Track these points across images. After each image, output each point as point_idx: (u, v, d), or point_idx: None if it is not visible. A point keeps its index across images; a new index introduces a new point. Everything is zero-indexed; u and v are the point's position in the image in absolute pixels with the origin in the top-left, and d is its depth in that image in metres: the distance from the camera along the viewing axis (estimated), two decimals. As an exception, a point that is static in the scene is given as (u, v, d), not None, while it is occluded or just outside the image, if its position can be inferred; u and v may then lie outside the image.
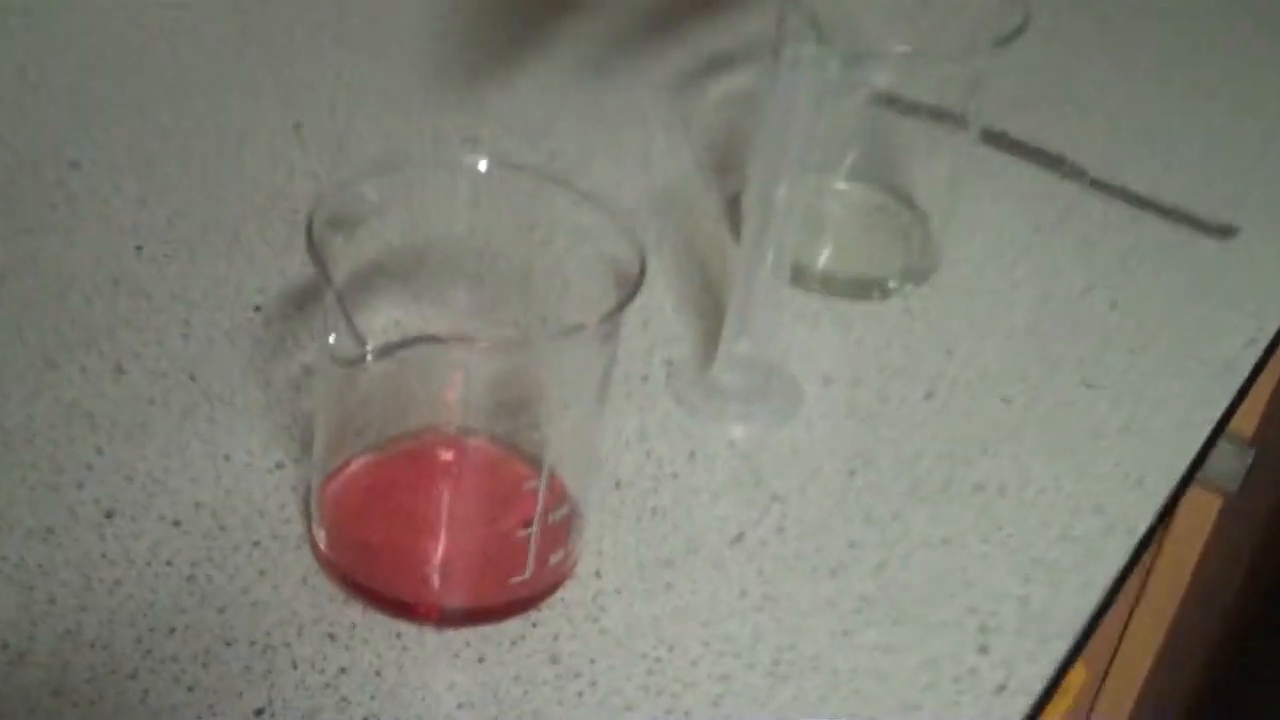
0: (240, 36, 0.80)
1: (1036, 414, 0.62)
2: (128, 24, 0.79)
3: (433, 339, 0.46)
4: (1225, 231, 0.74)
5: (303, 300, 0.62)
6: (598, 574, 0.53)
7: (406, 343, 0.45)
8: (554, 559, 0.51)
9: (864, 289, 0.67)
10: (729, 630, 0.52)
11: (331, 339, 0.46)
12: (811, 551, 0.55)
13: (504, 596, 0.51)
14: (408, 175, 0.53)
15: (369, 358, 0.45)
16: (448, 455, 0.55)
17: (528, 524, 0.50)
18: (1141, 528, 0.58)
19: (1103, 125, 0.83)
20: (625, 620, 0.51)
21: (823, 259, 0.68)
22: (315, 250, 0.47)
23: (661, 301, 0.65)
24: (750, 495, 0.57)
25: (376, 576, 0.51)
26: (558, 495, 0.51)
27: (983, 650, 0.52)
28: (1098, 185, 0.76)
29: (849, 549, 0.55)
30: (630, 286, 0.48)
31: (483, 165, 0.52)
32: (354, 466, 0.53)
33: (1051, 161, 0.77)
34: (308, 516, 0.52)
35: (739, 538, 0.55)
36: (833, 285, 0.66)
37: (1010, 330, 0.67)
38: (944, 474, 0.59)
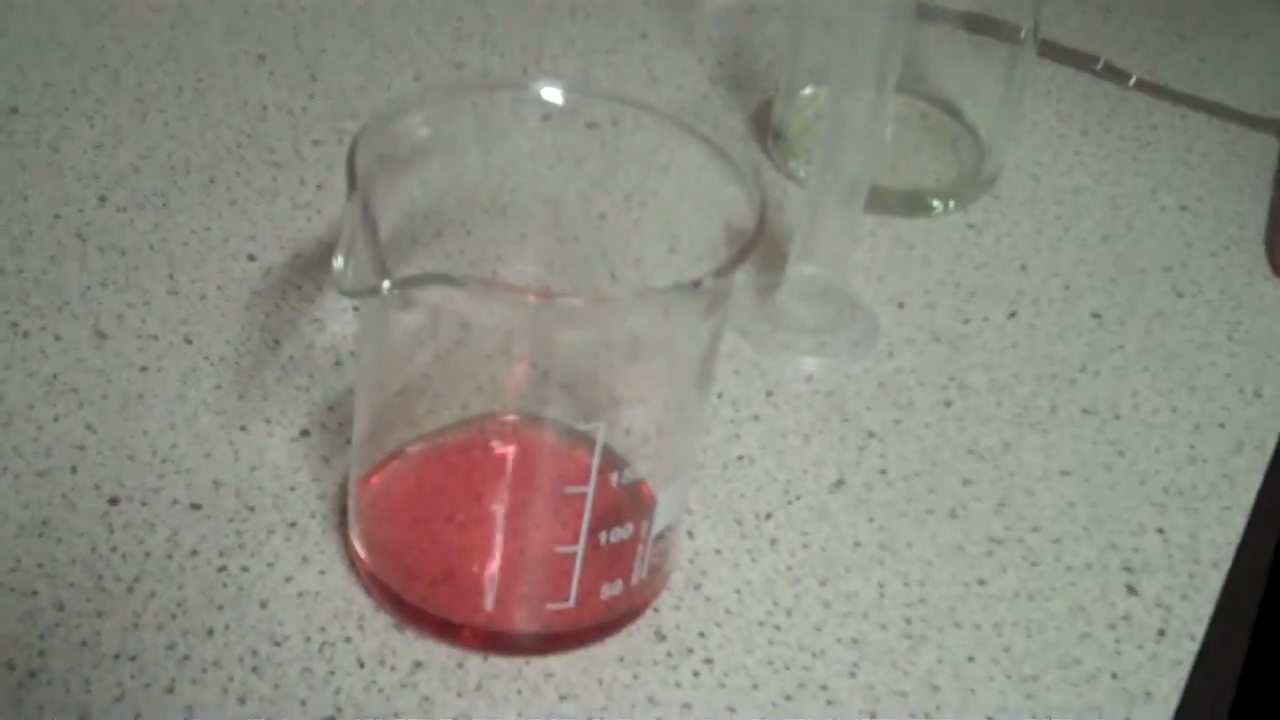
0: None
1: (1133, 328, 0.56)
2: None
3: (485, 284, 0.38)
4: (1274, 126, 0.69)
5: (301, 246, 0.54)
6: (690, 534, 0.45)
7: (441, 278, 0.36)
8: (635, 578, 0.42)
9: (919, 204, 0.60)
10: (850, 587, 0.45)
11: (338, 260, 0.36)
12: (923, 492, 0.48)
13: (580, 619, 0.42)
14: (462, 105, 0.43)
15: (385, 288, 0.35)
16: (508, 448, 0.45)
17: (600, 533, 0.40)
18: (1271, 442, 0.52)
19: (1131, 22, 0.77)
20: (732, 584, 0.44)
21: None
22: (353, 165, 0.38)
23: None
24: (842, 434, 0.50)
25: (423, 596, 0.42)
26: (645, 502, 0.41)
27: (1132, 591, 0.46)
28: (1141, 86, 0.70)
29: (963, 487, 0.48)
30: (745, 239, 0.39)
31: (556, 94, 0.42)
32: (397, 463, 0.44)
33: (1087, 62, 0.71)
34: (344, 515, 0.44)
35: (839, 483, 0.48)
36: (885, 202, 0.60)
37: (1083, 240, 0.60)
38: (1048, 398, 0.52)
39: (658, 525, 0.41)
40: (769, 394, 0.51)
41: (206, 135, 0.59)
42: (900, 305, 0.56)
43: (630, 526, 0.41)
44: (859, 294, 0.55)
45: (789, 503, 0.47)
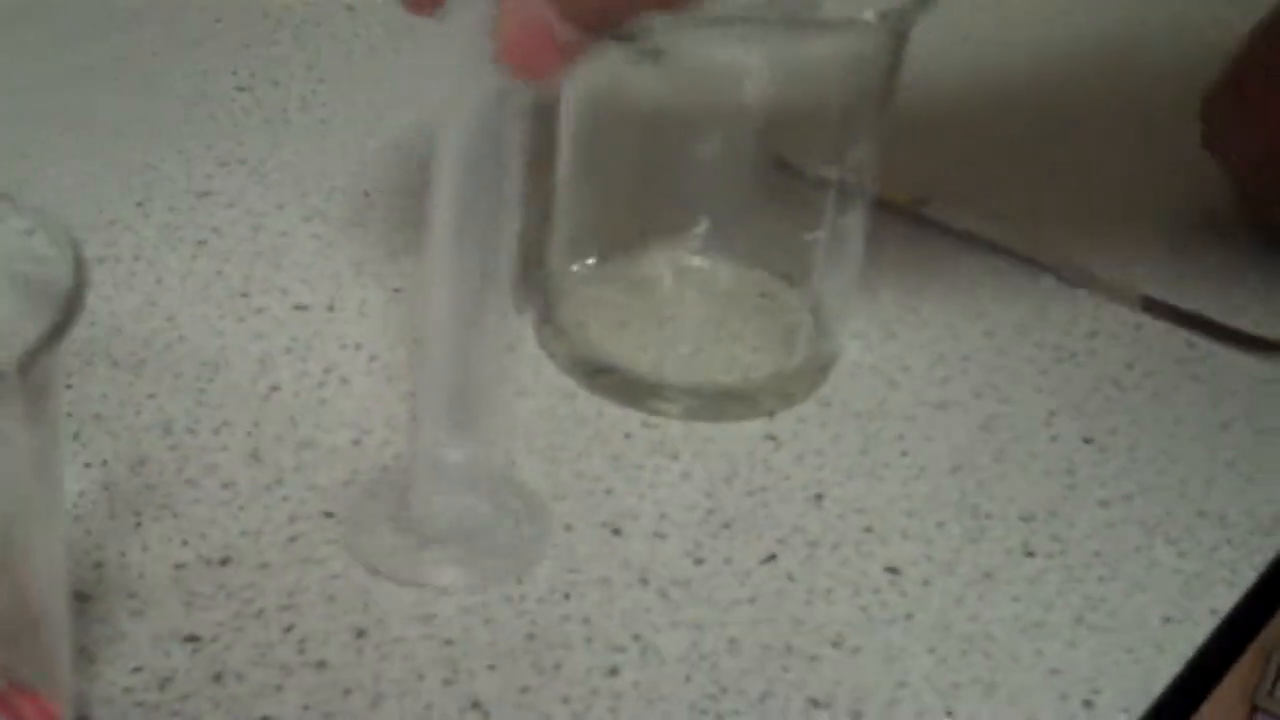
0: None
1: (939, 594, 0.41)
2: None
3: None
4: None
5: None
6: None
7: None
8: None
9: (731, 405, 0.46)
10: None
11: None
12: None
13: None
14: None
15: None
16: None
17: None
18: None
19: (993, 170, 0.61)
20: None
21: (673, 366, 0.47)
22: None
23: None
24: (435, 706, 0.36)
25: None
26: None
27: None
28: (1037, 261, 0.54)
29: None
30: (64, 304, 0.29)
31: None
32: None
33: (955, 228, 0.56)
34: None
35: None
36: (684, 402, 0.46)
37: (921, 468, 0.45)
38: (762, 684, 0.37)
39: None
40: (359, 634, 0.38)
41: None
42: (616, 531, 0.42)
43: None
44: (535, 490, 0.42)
45: None
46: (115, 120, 0.57)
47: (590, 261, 0.49)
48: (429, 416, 0.38)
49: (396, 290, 0.50)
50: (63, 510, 0.34)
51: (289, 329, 0.48)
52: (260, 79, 0.61)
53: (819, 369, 0.48)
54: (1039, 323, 0.52)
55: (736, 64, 0.44)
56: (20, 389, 0.28)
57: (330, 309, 0.49)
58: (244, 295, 0.49)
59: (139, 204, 0.53)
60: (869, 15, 0.42)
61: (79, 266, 0.30)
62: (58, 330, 0.29)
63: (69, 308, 0.30)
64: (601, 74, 0.45)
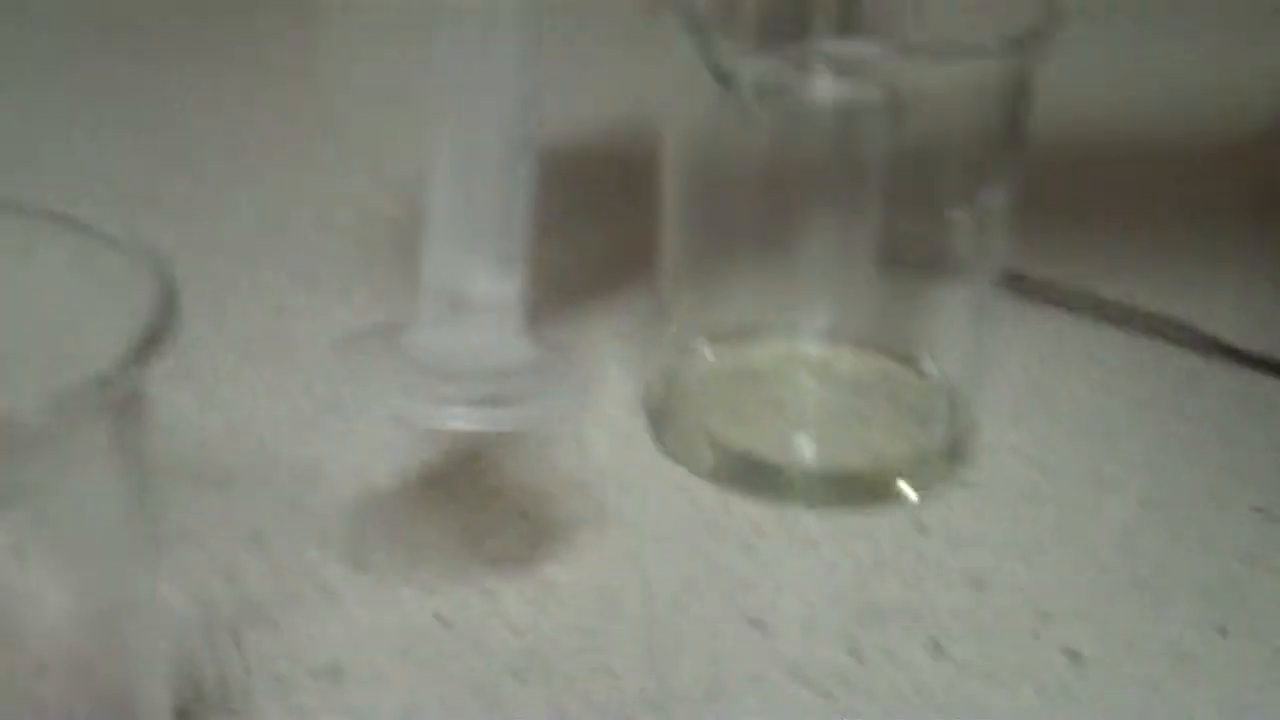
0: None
1: (1130, 678, 0.36)
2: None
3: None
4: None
5: None
6: None
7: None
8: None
9: (867, 491, 0.43)
10: None
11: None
12: None
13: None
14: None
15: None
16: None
17: None
18: None
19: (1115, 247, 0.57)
20: None
21: (802, 453, 0.44)
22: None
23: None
24: None
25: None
26: None
27: None
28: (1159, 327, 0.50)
29: None
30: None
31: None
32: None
33: (1081, 300, 0.52)
34: None
35: None
36: (818, 490, 0.42)
37: (1091, 547, 0.41)
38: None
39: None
40: None
41: None
42: (759, 626, 0.38)
43: None
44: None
45: None
46: (189, 244, 0.55)
47: (705, 352, 0.46)
48: (437, 242, 0.33)
49: (494, 393, 0.46)
50: (159, 594, 0.30)
51: (384, 437, 0.44)
52: (341, 207, 0.59)
53: (956, 451, 0.44)
54: (1185, 395, 0.48)
55: (849, 108, 0.41)
56: (105, 409, 0.25)
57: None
58: (333, 409, 0.46)
59: (215, 323, 0.50)
60: (990, 41, 0.39)
61: (169, 289, 0.27)
62: (146, 346, 0.26)
63: (157, 328, 0.26)
64: (706, 143, 0.42)
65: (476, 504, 0.42)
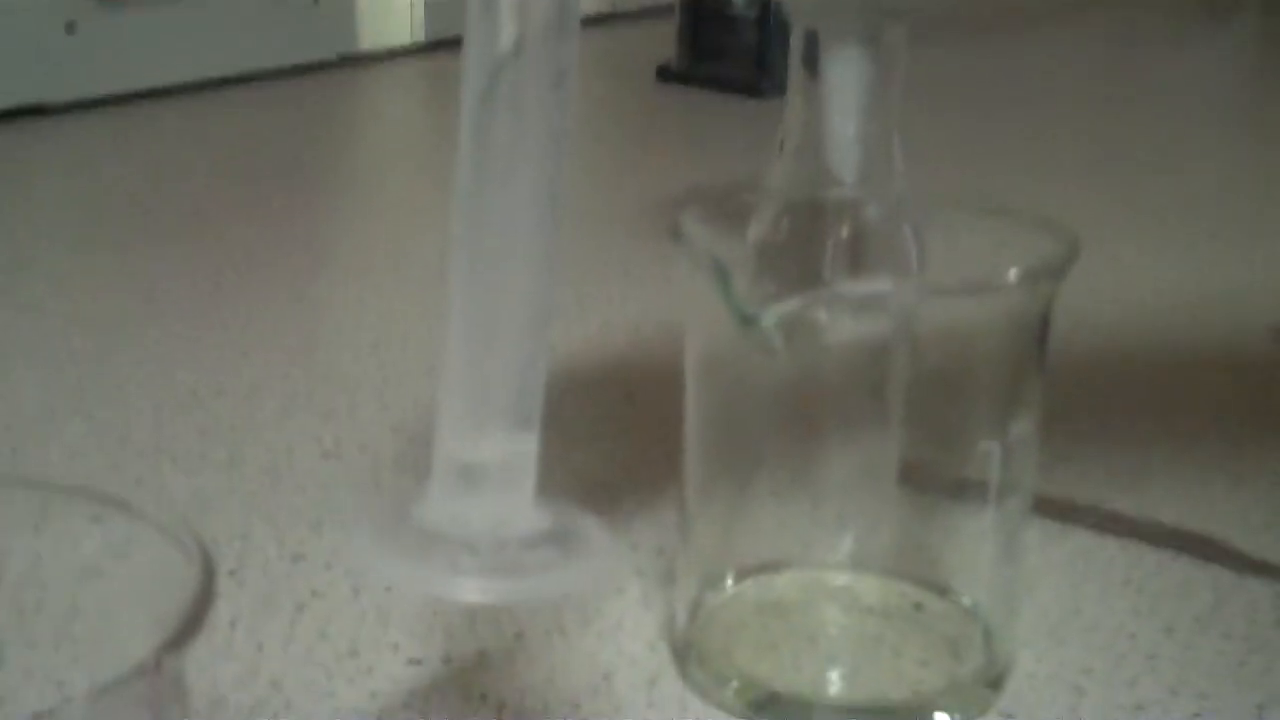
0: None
1: None
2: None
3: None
4: None
5: None
6: None
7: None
8: None
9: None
10: None
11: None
12: None
13: None
14: None
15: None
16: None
17: None
18: None
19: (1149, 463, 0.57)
20: None
21: (835, 686, 0.43)
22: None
23: None
24: None
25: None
26: None
27: None
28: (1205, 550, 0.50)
29: None
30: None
31: None
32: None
33: (1109, 520, 0.51)
34: None
35: None
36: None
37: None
38: None
39: None
40: None
41: None
42: None
43: None
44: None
45: None
46: (199, 495, 0.55)
47: (727, 584, 0.45)
48: (451, 409, 0.32)
49: (518, 635, 0.45)
50: None
51: (404, 684, 0.43)
52: (346, 444, 0.59)
53: (993, 679, 0.43)
54: (1220, 614, 0.47)
55: (871, 345, 0.42)
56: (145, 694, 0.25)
57: (446, 661, 0.45)
58: (353, 655, 0.45)
59: (231, 573, 0.49)
60: (1012, 275, 0.40)
61: (207, 569, 0.27)
62: (185, 631, 0.26)
63: (197, 609, 0.26)
64: (729, 374, 0.42)
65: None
